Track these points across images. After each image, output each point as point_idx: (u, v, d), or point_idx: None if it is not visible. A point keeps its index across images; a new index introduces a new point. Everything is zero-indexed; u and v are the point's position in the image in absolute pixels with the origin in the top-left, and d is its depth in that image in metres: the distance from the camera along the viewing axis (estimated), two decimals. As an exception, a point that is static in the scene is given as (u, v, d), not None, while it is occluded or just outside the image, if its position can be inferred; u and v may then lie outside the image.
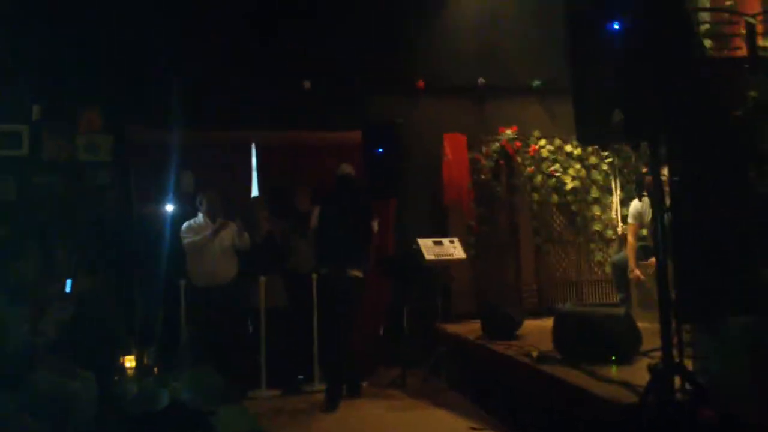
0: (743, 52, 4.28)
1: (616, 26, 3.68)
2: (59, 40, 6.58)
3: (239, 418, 3.77)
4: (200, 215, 6.50)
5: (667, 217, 4.70)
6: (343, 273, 6.14)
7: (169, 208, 6.68)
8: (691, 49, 3.72)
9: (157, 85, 6.77)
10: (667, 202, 4.38)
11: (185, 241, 6.39)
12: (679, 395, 3.79)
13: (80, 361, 4.32)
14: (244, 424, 3.65)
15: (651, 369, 3.90)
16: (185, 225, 6.48)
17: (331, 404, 5.93)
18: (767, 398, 3.48)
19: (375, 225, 6.45)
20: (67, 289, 4.40)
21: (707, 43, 4.41)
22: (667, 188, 4.66)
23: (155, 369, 4.90)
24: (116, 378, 4.49)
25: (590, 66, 3.73)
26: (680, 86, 3.65)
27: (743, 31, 4.43)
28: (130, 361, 4.66)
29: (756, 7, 5.32)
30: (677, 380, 3.83)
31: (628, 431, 3.81)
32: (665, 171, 4.23)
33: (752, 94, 3.58)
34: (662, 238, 3.60)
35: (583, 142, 3.94)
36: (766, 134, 3.64)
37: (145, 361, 4.88)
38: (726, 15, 5.01)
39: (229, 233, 6.47)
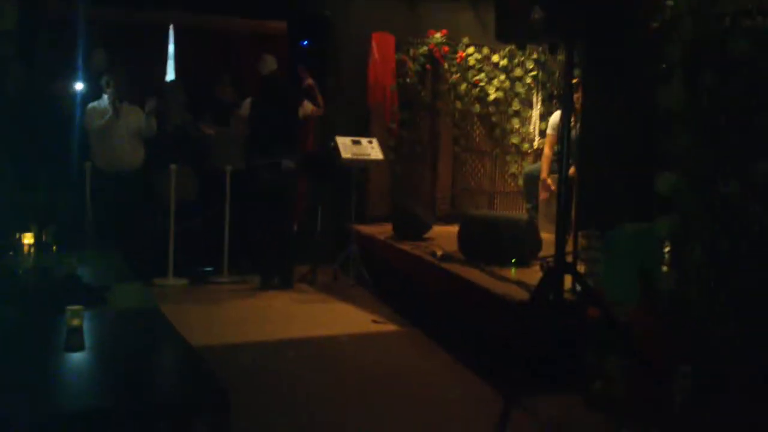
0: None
1: None
2: None
3: (135, 294, 3.74)
4: (105, 97, 6.24)
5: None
6: (278, 164, 6.25)
7: (78, 86, 6.39)
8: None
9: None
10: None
11: (87, 124, 6.18)
12: (568, 295, 3.98)
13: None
14: (139, 300, 3.62)
15: (543, 268, 4.05)
16: (89, 106, 6.24)
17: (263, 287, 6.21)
18: (648, 300, 3.68)
19: (308, 106, 6.50)
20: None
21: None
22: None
23: (54, 247, 4.75)
24: (11, 253, 4.33)
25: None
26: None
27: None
28: (28, 239, 4.48)
29: None
30: (569, 282, 4.00)
31: (520, 326, 3.97)
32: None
33: (669, 2, 3.60)
34: (567, 137, 3.65)
35: (502, 38, 3.89)
36: (674, 50, 3.68)
37: (44, 239, 4.72)
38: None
39: (136, 117, 6.26)
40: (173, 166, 6.32)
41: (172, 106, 6.67)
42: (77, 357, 2.70)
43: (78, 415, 2.19)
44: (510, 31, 3.77)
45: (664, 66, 3.62)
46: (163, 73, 7.02)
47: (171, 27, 6.98)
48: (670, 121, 3.47)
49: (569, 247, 4.24)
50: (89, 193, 6.04)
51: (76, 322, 2.97)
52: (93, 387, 2.46)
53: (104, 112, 6.19)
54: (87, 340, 2.79)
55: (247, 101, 6.53)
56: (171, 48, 7.00)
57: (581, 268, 4.22)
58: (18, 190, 5.46)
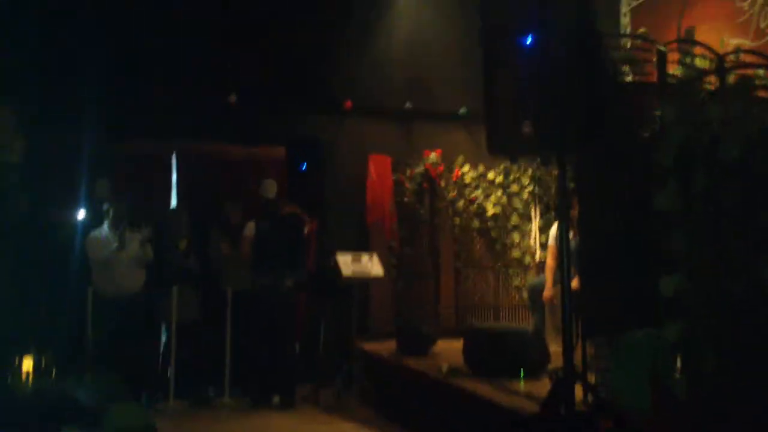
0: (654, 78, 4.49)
1: (530, 41, 3.78)
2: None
3: (133, 415, 3.64)
4: (105, 225, 6.30)
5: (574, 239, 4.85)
6: (282, 284, 6.40)
7: (81, 215, 6.48)
8: (601, 70, 3.85)
9: (75, 89, 6.61)
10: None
11: (90, 253, 6.22)
12: (579, 406, 3.87)
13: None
14: (137, 421, 3.53)
15: (552, 377, 3.96)
16: (90, 236, 6.28)
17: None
18: (662, 408, 3.57)
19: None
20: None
21: (624, 67, 4.60)
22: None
23: (53, 372, 4.69)
24: (10, 378, 4.28)
25: (502, 78, 3.82)
26: (591, 103, 3.77)
27: (655, 59, 4.66)
28: (27, 364, 4.44)
29: (670, 36, 5.60)
30: (580, 393, 3.91)
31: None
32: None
33: (657, 113, 3.72)
34: (566, 249, 3.68)
35: (494, 152, 3.99)
36: (667, 155, 3.78)
37: (44, 364, 4.67)
38: (640, 42, 5.26)
39: (136, 244, 6.30)
40: (175, 288, 6.31)
41: (175, 233, 6.73)
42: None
43: None
44: (502, 145, 3.87)
45: (657, 172, 3.70)
46: (168, 200, 7.14)
47: (174, 156, 7.14)
48: (668, 224, 3.50)
49: (578, 358, 4.17)
50: (90, 317, 5.99)
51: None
52: None
53: (106, 241, 6.22)
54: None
55: (251, 224, 6.63)
56: (174, 174, 7.13)
57: (591, 377, 4.14)
58: (19, 315, 5.43)
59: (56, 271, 6.29)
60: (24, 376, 4.33)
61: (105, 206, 6.36)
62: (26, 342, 4.87)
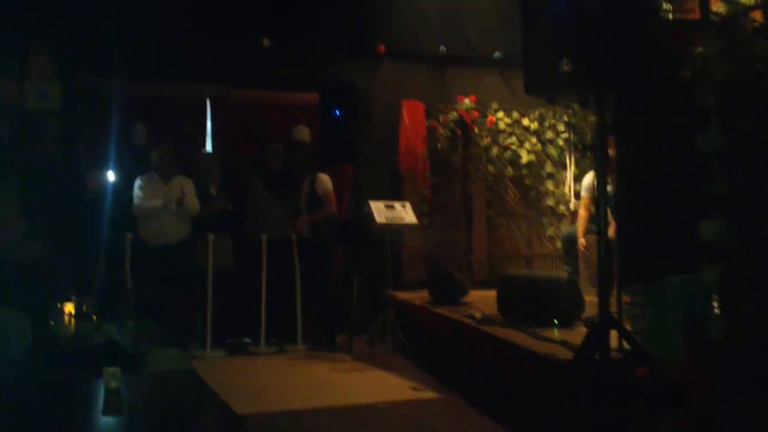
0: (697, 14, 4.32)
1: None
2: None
3: (172, 359, 3.71)
4: (149, 174, 6.35)
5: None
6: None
7: (111, 176, 6.52)
8: (641, 6, 3.73)
9: (111, 34, 6.59)
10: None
11: (136, 201, 6.26)
12: (614, 354, 3.85)
13: (14, 302, 4.22)
14: (175, 364, 3.59)
15: (587, 324, 3.94)
16: (137, 182, 6.32)
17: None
18: (698, 353, 3.54)
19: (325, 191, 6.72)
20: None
21: (665, 3, 4.43)
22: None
23: (93, 317, 4.78)
24: (52, 322, 4.38)
25: (540, 16, 3.72)
26: (631, 40, 3.66)
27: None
28: (68, 308, 4.53)
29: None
30: (615, 341, 3.88)
31: (565, 387, 3.84)
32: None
33: (699, 50, 3.59)
34: (603, 193, 3.61)
35: (531, 91, 3.91)
36: (709, 96, 3.66)
37: (84, 309, 4.76)
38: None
39: (181, 192, 6.34)
40: (210, 236, 6.36)
41: (210, 179, 6.77)
42: (116, 420, 2.66)
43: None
44: (539, 84, 3.79)
45: (699, 113, 3.59)
46: (203, 145, 7.16)
47: (208, 101, 7.14)
48: (710, 167, 3.41)
49: (613, 305, 4.13)
50: (129, 264, 6.07)
51: (114, 384, 2.94)
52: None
53: (155, 189, 6.27)
54: (125, 403, 2.76)
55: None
56: (208, 118, 7.14)
57: (626, 325, 4.10)
58: (59, 262, 5.53)
59: (95, 218, 6.40)
60: (66, 320, 4.42)
61: (152, 152, 6.40)
62: (67, 287, 4.96)
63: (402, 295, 6.85)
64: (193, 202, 6.40)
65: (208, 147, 7.17)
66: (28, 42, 6.50)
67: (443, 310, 5.80)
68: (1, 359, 3.55)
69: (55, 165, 6.39)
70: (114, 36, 6.47)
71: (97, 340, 3.93)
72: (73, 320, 4.54)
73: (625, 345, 3.86)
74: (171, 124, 6.92)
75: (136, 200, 6.30)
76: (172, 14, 6.79)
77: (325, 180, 6.80)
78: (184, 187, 6.37)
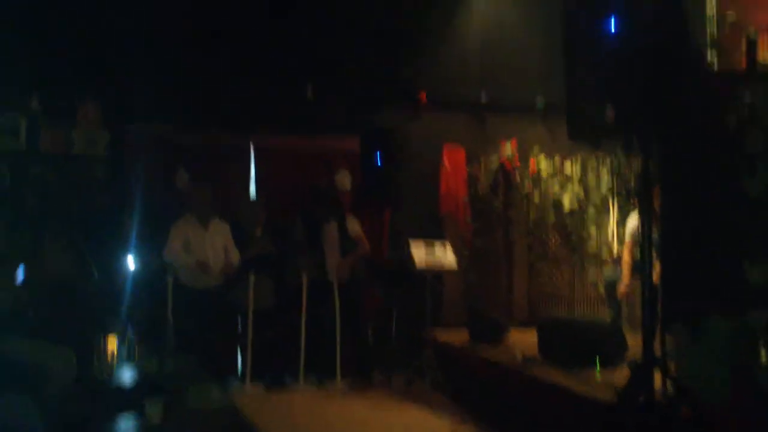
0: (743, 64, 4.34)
1: (613, 24, 3.70)
2: (62, 32, 6.61)
3: (212, 395, 3.74)
4: (189, 215, 6.43)
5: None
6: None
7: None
8: (687, 55, 3.75)
9: (157, 84, 6.82)
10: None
11: (172, 255, 6.29)
12: (659, 396, 3.76)
13: (59, 337, 4.32)
14: (216, 400, 3.62)
15: (631, 366, 3.86)
16: (174, 227, 6.36)
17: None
18: (744, 398, 3.45)
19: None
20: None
21: (711, 53, 4.46)
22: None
23: (135, 353, 4.87)
24: (96, 357, 4.46)
25: (584, 62, 3.76)
26: (676, 88, 3.67)
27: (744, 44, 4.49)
28: (111, 343, 4.62)
29: (761, 18, 5.37)
30: (659, 381, 3.81)
31: (609, 430, 3.77)
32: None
33: (747, 101, 3.60)
34: (648, 237, 3.59)
35: (574, 137, 3.92)
36: (757, 142, 3.64)
37: (127, 345, 4.85)
38: (728, 28, 5.07)
39: (221, 236, 6.43)
40: (251, 277, 6.43)
41: (253, 223, 6.88)
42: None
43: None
44: (582, 130, 3.80)
45: (746, 159, 3.58)
46: (246, 191, 7.29)
47: (252, 148, 7.29)
48: (757, 211, 3.37)
49: (657, 348, 4.06)
50: (171, 304, 6.15)
51: (156, 420, 2.99)
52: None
53: (194, 235, 6.35)
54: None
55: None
56: (252, 165, 7.28)
57: (670, 366, 4.01)
58: (104, 300, 5.64)
59: (139, 259, 6.54)
60: (108, 357, 4.50)
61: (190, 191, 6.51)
62: (110, 324, 5.06)
63: (441, 334, 6.81)
64: (233, 253, 6.49)
65: (252, 193, 7.30)
66: (77, 91, 6.73)
67: (483, 350, 5.74)
68: (45, 393, 3.62)
69: (104, 208, 6.56)
70: (160, 85, 6.70)
71: (139, 377, 3.99)
72: (115, 356, 4.62)
73: (669, 387, 3.78)
74: (215, 171, 7.06)
75: (171, 254, 6.29)
76: (218, 63, 7.01)
77: (355, 222, 6.85)
78: (222, 234, 6.42)
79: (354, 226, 6.86)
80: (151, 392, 3.53)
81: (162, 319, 6.06)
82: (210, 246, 6.40)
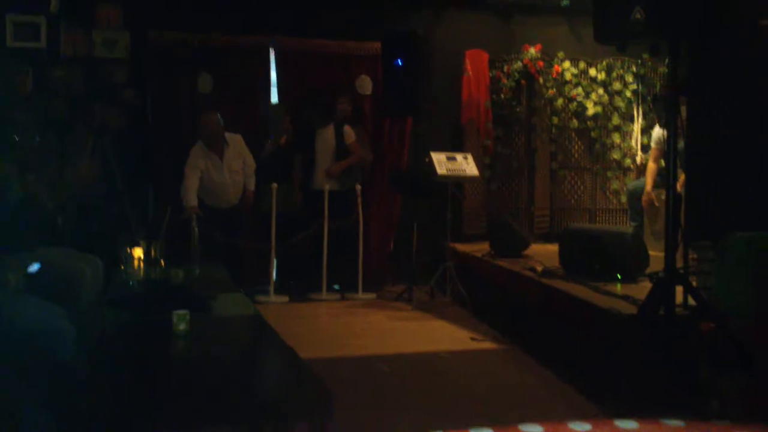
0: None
1: None
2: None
3: (238, 303, 3.81)
4: (197, 151, 6.29)
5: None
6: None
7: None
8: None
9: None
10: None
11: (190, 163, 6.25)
12: (679, 309, 3.78)
13: (87, 245, 4.39)
14: (242, 309, 3.69)
15: (652, 279, 3.87)
16: (187, 164, 6.23)
17: None
18: (763, 313, 3.45)
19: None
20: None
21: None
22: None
23: (162, 261, 4.94)
24: (122, 266, 4.53)
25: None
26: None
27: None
28: (138, 253, 4.68)
29: None
30: (680, 296, 3.82)
31: (628, 342, 3.81)
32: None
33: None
34: (674, 145, 3.51)
35: (600, 39, 3.78)
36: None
37: (153, 254, 4.91)
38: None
39: (237, 154, 6.39)
40: (274, 185, 6.45)
41: (277, 128, 6.84)
42: (185, 359, 2.76)
43: (185, 408, 2.23)
44: (610, 32, 3.67)
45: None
46: (268, 96, 7.20)
47: (272, 51, 7.15)
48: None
49: (679, 261, 4.05)
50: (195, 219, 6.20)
51: (182, 326, 3.05)
52: (199, 388, 2.50)
53: (205, 160, 6.28)
54: (194, 344, 2.86)
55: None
56: (273, 68, 7.17)
57: (693, 281, 4.02)
58: (129, 208, 5.69)
59: (162, 166, 6.57)
60: (136, 264, 4.57)
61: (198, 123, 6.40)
62: (137, 233, 5.11)
63: (462, 246, 6.85)
64: (249, 159, 6.46)
65: (274, 97, 7.21)
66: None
67: (504, 263, 5.78)
68: (74, 301, 3.70)
69: (126, 111, 6.52)
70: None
71: (166, 284, 4.06)
72: (142, 265, 4.69)
73: (691, 301, 3.79)
74: (236, 73, 6.97)
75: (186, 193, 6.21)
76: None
77: (351, 131, 6.81)
78: (236, 146, 6.37)
79: (350, 133, 6.79)
80: (177, 301, 3.58)
81: (187, 225, 6.13)
82: (227, 171, 6.35)
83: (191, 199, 6.15)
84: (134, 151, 6.24)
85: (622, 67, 7.67)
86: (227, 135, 6.36)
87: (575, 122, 7.68)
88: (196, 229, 5.61)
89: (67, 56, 6.58)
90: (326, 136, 6.85)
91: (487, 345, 5.19)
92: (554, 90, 7.62)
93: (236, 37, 6.92)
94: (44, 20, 6.52)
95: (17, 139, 4.12)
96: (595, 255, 4.87)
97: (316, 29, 7.12)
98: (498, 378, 4.52)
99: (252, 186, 6.48)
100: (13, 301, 2.83)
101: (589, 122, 7.69)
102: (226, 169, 6.34)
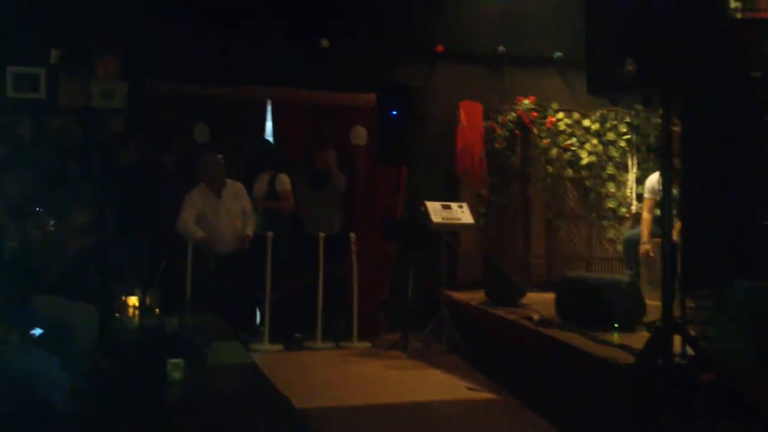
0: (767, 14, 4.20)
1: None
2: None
3: (232, 351, 3.78)
4: (199, 191, 6.36)
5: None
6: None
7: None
8: (709, 4, 3.64)
9: (175, 38, 6.77)
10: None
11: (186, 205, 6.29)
12: (678, 359, 3.76)
13: (81, 294, 4.36)
14: (236, 357, 3.66)
15: (649, 328, 3.86)
16: (187, 198, 6.30)
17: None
18: (763, 364, 3.43)
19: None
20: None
21: (733, 3, 4.32)
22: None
23: (156, 310, 4.92)
24: (117, 314, 4.51)
25: (605, 14, 3.67)
26: (698, 40, 3.57)
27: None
28: (132, 301, 4.66)
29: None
30: (678, 346, 3.79)
31: (626, 392, 3.77)
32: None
33: (769, 51, 3.49)
34: (668, 195, 3.53)
35: (593, 91, 3.84)
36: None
37: (148, 302, 4.90)
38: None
39: (236, 199, 6.41)
40: (269, 234, 6.45)
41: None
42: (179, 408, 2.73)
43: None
44: (602, 84, 3.73)
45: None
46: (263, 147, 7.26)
47: (268, 102, 7.24)
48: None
49: (677, 310, 4.04)
50: (191, 263, 6.18)
51: (176, 375, 3.02)
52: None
53: (211, 206, 6.33)
54: (188, 393, 2.82)
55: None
56: (269, 119, 7.25)
57: (690, 331, 4.00)
58: (124, 257, 5.68)
59: (158, 215, 6.57)
60: (131, 313, 4.55)
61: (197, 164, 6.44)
62: (132, 282, 5.09)
63: (458, 294, 6.82)
64: (248, 206, 6.49)
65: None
66: (96, 45, 6.70)
67: (500, 311, 5.75)
68: (68, 350, 3.66)
69: (126, 163, 6.56)
70: (176, 40, 6.65)
71: (161, 333, 4.03)
72: (137, 313, 4.67)
73: (689, 351, 3.77)
74: (232, 123, 7.04)
75: (183, 226, 6.26)
76: (233, 16, 6.92)
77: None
78: (235, 191, 6.41)
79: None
80: (172, 349, 3.55)
81: (182, 275, 6.12)
82: (225, 213, 6.38)
83: (196, 230, 6.21)
84: (129, 200, 6.25)
85: (616, 118, 7.78)
86: (229, 181, 6.40)
87: (570, 171, 7.75)
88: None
89: (65, 106, 6.65)
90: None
91: (483, 395, 5.12)
92: (548, 140, 7.71)
93: (233, 87, 7.01)
94: (44, 72, 6.61)
95: (39, 210, 4.14)
96: (592, 304, 4.85)
97: (312, 81, 7.22)
98: (494, 428, 4.46)
99: (249, 231, 6.47)
100: (8, 350, 2.80)
101: (583, 172, 7.75)
102: (224, 211, 6.35)
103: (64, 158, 6.46)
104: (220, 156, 6.43)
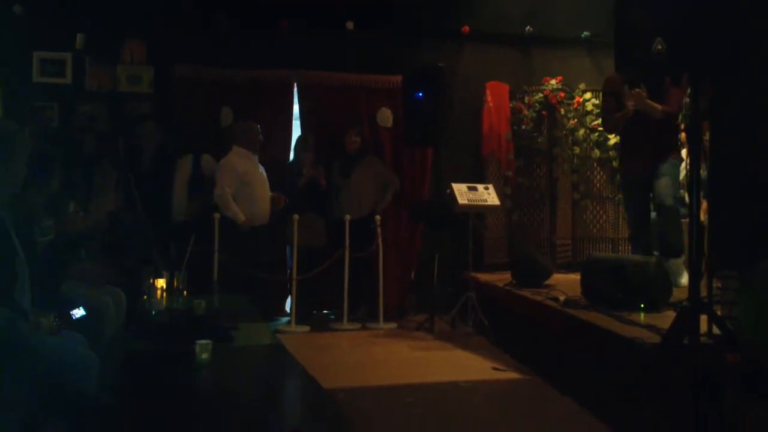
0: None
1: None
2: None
3: (260, 333, 3.83)
4: (238, 154, 6.42)
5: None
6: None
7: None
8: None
9: (201, 21, 6.81)
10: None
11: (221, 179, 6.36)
12: (705, 338, 3.73)
13: (110, 277, 4.44)
14: (263, 338, 3.71)
15: (676, 308, 3.83)
16: (224, 163, 6.36)
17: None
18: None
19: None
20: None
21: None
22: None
23: (184, 292, 5.00)
24: (145, 296, 4.58)
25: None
26: (731, 20, 3.51)
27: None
28: (160, 284, 4.74)
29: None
30: (705, 326, 3.77)
31: (652, 372, 3.76)
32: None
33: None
34: (696, 178, 3.50)
35: (622, 70, 3.80)
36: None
37: (176, 284, 4.97)
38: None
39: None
40: (295, 216, 6.49)
41: (303, 160, 6.90)
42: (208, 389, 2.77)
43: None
44: (630, 63, 3.68)
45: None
46: (290, 129, 7.28)
47: (295, 85, 7.25)
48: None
49: (703, 290, 4.01)
50: (218, 243, 6.24)
51: (205, 356, 3.07)
52: (222, 419, 2.51)
53: (243, 162, 6.38)
54: (216, 374, 2.87)
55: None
56: (296, 101, 7.28)
57: (717, 310, 3.97)
58: (151, 239, 5.76)
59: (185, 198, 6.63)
60: (159, 295, 4.62)
61: (236, 129, 6.54)
62: (160, 265, 5.17)
63: (484, 276, 6.83)
64: (277, 203, 6.58)
65: (297, 130, 7.30)
66: (123, 30, 6.77)
67: (526, 293, 5.75)
68: (98, 333, 3.73)
69: (151, 144, 6.63)
70: (202, 24, 6.69)
71: (189, 315, 4.10)
72: (165, 295, 4.75)
73: (716, 330, 3.74)
74: (259, 106, 7.06)
75: (222, 191, 6.34)
76: (259, 2, 6.94)
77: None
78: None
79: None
80: (200, 331, 3.61)
81: (210, 256, 6.18)
82: (261, 182, 6.45)
83: (238, 212, 6.27)
84: (157, 184, 6.34)
85: (644, 98, 7.66)
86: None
87: (597, 152, 7.67)
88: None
89: (92, 91, 6.73)
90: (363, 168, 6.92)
91: (510, 375, 5.14)
92: (575, 120, 7.63)
93: (259, 70, 7.04)
94: (70, 57, 6.69)
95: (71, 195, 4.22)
96: (618, 284, 4.82)
97: (338, 63, 7.23)
98: (520, 408, 4.48)
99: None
100: (40, 335, 2.86)
101: (611, 152, 7.67)
102: (260, 180, 6.43)
103: (93, 143, 6.56)
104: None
